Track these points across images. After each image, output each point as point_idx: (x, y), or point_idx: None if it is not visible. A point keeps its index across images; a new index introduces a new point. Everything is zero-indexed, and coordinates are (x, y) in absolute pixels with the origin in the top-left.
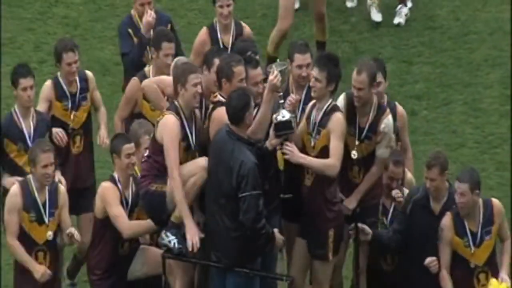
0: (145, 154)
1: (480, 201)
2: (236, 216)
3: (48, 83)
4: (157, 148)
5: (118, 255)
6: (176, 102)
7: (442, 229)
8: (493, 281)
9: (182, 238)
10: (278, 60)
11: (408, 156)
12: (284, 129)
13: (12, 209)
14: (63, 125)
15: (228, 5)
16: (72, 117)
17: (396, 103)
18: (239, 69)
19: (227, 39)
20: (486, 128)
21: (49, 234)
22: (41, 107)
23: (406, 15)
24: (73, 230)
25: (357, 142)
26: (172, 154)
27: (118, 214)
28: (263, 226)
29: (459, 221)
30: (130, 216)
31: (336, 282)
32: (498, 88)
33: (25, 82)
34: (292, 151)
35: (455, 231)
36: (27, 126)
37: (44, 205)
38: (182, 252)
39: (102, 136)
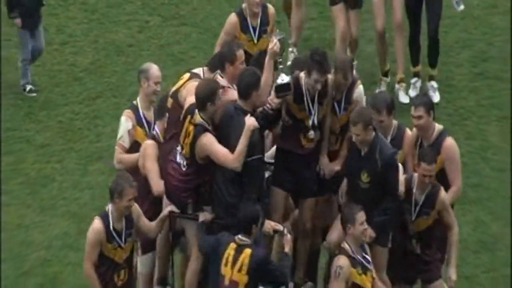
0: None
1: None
2: (239, 182)
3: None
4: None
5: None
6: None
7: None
8: None
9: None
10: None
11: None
12: (283, 91)
13: (96, 244)
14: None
15: None
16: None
17: (448, 138)
18: (240, 53)
19: (255, 22)
20: (457, 102)
21: (127, 253)
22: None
23: None
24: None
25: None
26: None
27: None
28: (262, 191)
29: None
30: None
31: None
32: (467, 67)
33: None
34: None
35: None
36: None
37: (121, 231)
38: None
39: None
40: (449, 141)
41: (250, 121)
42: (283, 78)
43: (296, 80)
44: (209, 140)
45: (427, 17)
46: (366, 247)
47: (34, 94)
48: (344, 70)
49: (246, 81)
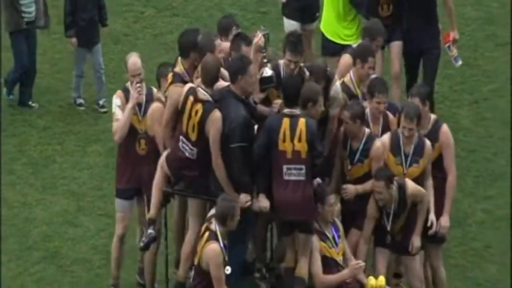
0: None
1: (417, 134)
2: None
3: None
4: None
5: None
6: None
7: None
8: (370, 278)
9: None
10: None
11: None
12: (266, 83)
13: (221, 264)
14: None
15: None
16: None
17: (444, 125)
18: (219, 42)
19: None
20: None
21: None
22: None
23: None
24: None
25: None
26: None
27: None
28: (248, 180)
29: (396, 140)
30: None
31: None
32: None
33: None
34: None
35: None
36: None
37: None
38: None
39: None
40: (445, 128)
41: (243, 200)
42: (267, 72)
43: (276, 67)
44: (219, 117)
45: (424, 71)
46: (339, 224)
47: (82, 108)
48: (317, 76)
49: (233, 66)
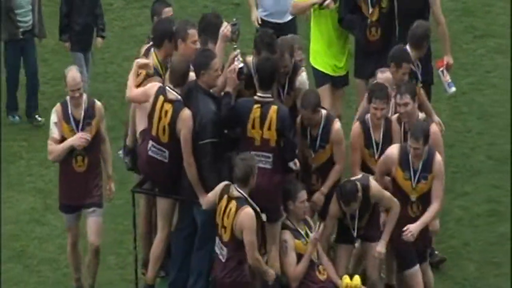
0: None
1: (426, 148)
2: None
3: None
4: None
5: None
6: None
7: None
8: (345, 277)
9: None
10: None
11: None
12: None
13: (255, 228)
14: None
15: None
16: None
17: (433, 124)
18: (193, 32)
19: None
20: None
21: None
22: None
23: None
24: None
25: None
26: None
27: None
28: (216, 177)
29: (405, 155)
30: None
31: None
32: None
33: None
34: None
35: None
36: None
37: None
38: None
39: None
40: (434, 127)
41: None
42: (239, 64)
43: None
44: (189, 115)
45: None
46: (311, 222)
47: None
48: (282, 51)
49: (196, 61)
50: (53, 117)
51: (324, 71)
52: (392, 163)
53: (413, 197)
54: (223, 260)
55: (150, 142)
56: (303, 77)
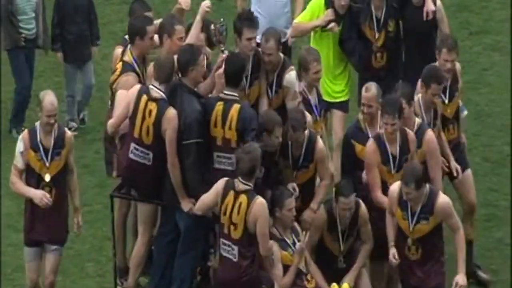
0: None
1: (427, 189)
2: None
3: None
4: None
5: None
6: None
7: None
8: (333, 285)
9: None
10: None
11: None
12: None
13: (268, 219)
14: None
15: None
16: None
17: (428, 130)
18: (180, 28)
19: None
20: None
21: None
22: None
23: None
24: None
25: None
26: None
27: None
28: (199, 178)
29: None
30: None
31: None
32: None
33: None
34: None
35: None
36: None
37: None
38: None
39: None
40: (430, 134)
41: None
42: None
43: None
44: (175, 115)
45: None
46: (299, 231)
47: (75, 133)
48: (274, 38)
49: (183, 57)
50: (20, 146)
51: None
52: (392, 201)
53: (411, 238)
54: (235, 259)
55: (132, 145)
56: (291, 75)
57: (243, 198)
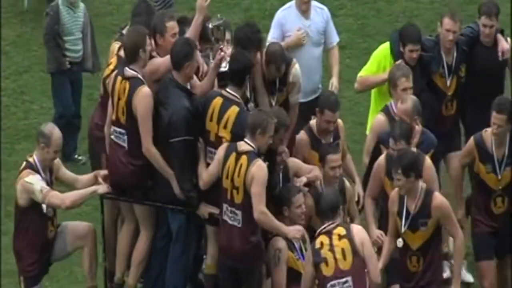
0: None
1: (423, 186)
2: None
3: None
4: None
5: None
6: None
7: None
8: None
9: None
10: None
11: None
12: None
13: (265, 181)
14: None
15: None
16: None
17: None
18: (172, 24)
19: None
20: None
21: None
22: None
23: None
24: None
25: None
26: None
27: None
28: (190, 178)
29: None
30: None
31: None
32: None
33: None
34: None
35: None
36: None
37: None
38: None
39: None
40: (428, 162)
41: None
42: (226, 66)
43: None
44: (147, 93)
45: None
46: (307, 238)
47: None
48: (276, 63)
49: (178, 51)
50: (35, 178)
51: None
52: (392, 208)
53: (413, 247)
54: (239, 225)
55: (113, 128)
56: (297, 69)
57: (243, 159)
